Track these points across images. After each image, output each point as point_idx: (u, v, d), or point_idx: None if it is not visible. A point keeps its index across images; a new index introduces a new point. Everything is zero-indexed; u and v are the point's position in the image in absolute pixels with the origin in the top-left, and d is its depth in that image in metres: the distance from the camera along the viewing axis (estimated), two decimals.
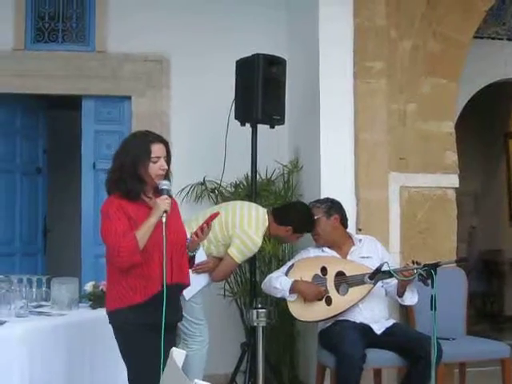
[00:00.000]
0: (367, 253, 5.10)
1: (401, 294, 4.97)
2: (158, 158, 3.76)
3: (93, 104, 6.69)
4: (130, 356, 3.79)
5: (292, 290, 4.96)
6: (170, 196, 3.80)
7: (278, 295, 5.07)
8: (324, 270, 5.03)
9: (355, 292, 4.96)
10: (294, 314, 5.04)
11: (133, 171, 3.74)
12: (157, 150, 3.77)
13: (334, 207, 5.24)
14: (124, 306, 3.73)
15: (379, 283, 5.01)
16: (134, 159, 3.75)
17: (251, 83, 5.41)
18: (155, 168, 3.76)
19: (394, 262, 5.14)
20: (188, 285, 3.97)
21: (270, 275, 5.22)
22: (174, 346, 3.39)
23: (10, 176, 6.90)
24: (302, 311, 5.01)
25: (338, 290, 4.98)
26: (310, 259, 5.17)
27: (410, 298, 5.00)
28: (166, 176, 3.83)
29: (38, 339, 4.08)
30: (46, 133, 7.30)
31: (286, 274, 5.08)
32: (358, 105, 5.80)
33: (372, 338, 4.92)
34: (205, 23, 6.60)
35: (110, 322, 3.83)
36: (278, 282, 5.01)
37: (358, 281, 4.91)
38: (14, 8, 6.54)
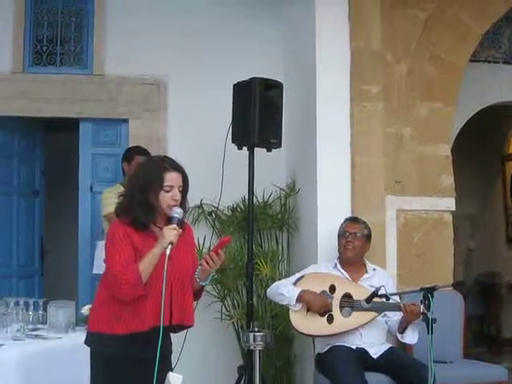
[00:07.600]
0: (378, 284, 4.89)
1: (402, 330, 4.92)
2: (171, 187, 3.50)
3: (90, 127, 6.70)
4: None
5: (299, 300, 4.93)
6: (183, 224, 3.56)
7: (283, 302, 5.06)
8: (332, 288, 5.00)
9: (358, 317, 4.92)
10: (293, 323, 5.01)
11: (142, 199, 3.48)
12: (171, 178, 3.52)
13: (370, 236, 5.32)
14: (104, 331, 3.49)
15: (382, 318, 5.00)
16: (144, 186, 3.50)
17: (248, 107, 5.42)
18: (167, 197, 3.49)
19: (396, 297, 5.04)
20: (191, 325, 3.64)
21: (278, 282, 5.24)
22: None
23: (7, 198, 6.89)
24: (302, 322, 4.98)
25: (341, 311, 4.95)
26: (322, 275, 5.15)
27: (410, 337, 4.93)
28: (182, 206, 3.56)
29: (34, 362, 4.09)
30: (43, 155, 7.31)
31: (295, 284, 5.07)
32: (354, 128, 5.81)
33: (369, 362, 4.92)
34: (202, 46, 6.61)
35: (86, 343, 3.60)
36: (286, 290, 5.00)
37: (363, 307, 4.85)
38: (12, 31, 6.58)
